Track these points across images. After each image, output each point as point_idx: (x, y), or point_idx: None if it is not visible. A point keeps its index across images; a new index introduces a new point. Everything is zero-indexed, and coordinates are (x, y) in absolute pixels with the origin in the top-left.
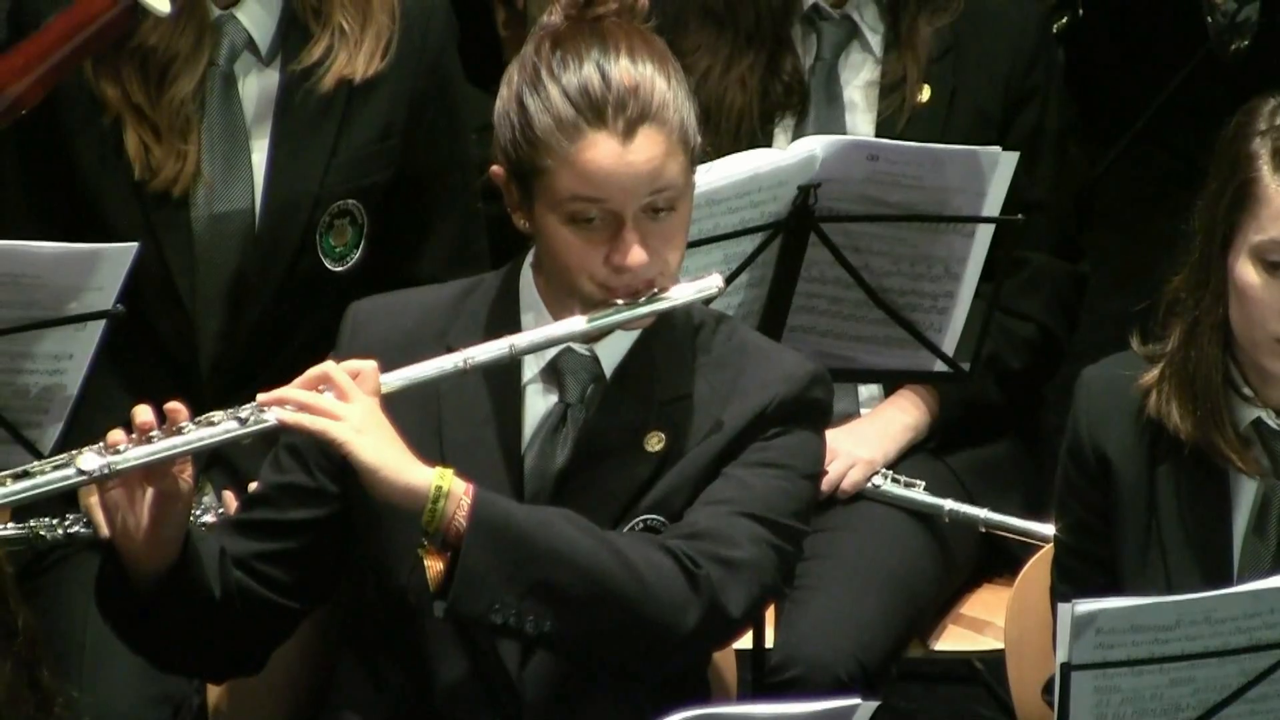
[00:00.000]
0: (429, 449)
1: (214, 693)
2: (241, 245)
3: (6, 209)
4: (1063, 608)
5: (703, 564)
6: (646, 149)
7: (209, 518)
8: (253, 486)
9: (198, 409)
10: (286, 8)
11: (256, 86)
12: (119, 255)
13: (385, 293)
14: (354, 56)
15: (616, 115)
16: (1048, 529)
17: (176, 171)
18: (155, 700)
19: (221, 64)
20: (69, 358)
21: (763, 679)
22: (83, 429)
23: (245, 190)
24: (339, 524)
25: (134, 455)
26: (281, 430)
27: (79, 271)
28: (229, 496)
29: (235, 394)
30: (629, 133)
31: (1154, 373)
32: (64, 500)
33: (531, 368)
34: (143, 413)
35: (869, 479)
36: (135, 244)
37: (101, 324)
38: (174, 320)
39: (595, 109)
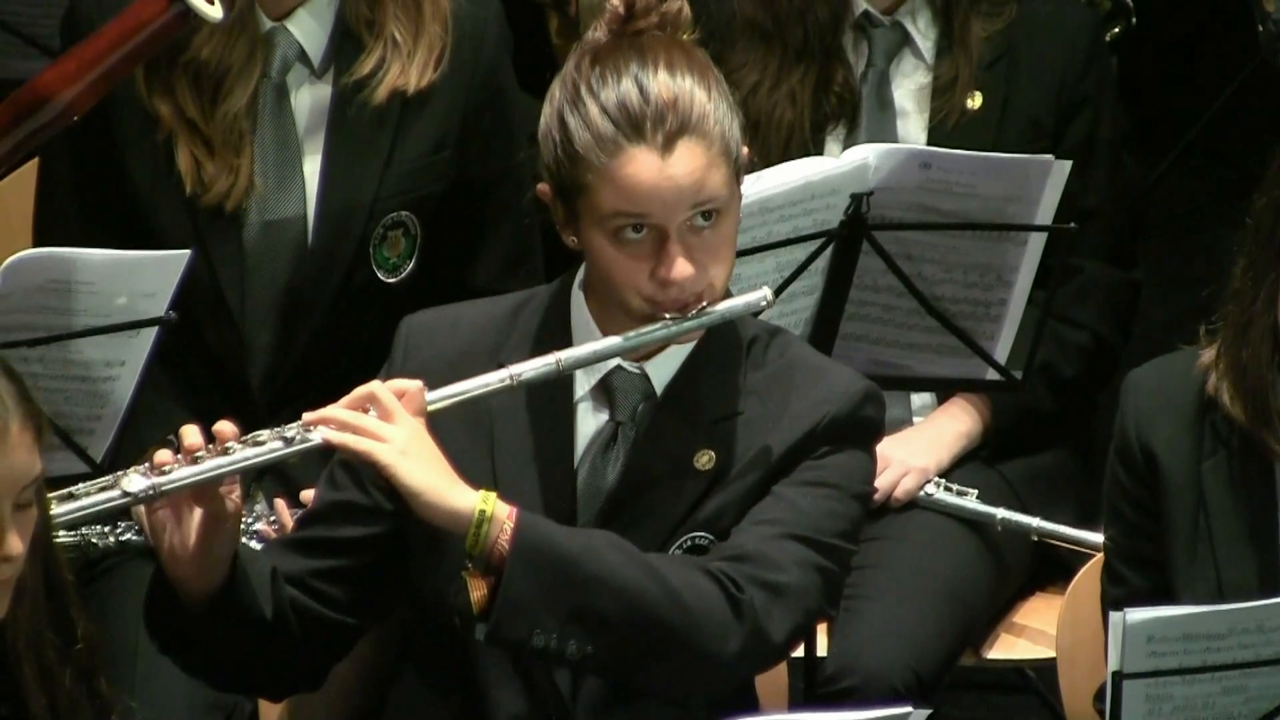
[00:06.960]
0: (481, 466)
1: (266, 703)
2: (294, 258)
3: (59, 217)
4: (1114, 616)
5: (746, 588)
6: (687, 162)
7: (261, 525)
8: (304, 495)
9: (249, 421)
10: (338, 19)
11: (309, 98)
12: (172, 262)
13: (439, 306)
14: (407, 68)
15: (655, 129)
16: (1100, 538)
17: (229, 186)
18: (207, 708)
19: (274, 76)
20: (121, 365)
21: (816, 689)
22: (134, 438)
23: (297, 203)
24: (395, 541)
25: (180, 476)
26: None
27: (132, 278)
28: (281, 505)
29: (287, 406)
30: (668, 146)
31: (1211, 352)
32: None
33: (583, 386)
34: (190, 434)
35: (921, 487)
36: (188, 251)
37: (154, 331)
38: (224, 333)
39: (634, 124)
